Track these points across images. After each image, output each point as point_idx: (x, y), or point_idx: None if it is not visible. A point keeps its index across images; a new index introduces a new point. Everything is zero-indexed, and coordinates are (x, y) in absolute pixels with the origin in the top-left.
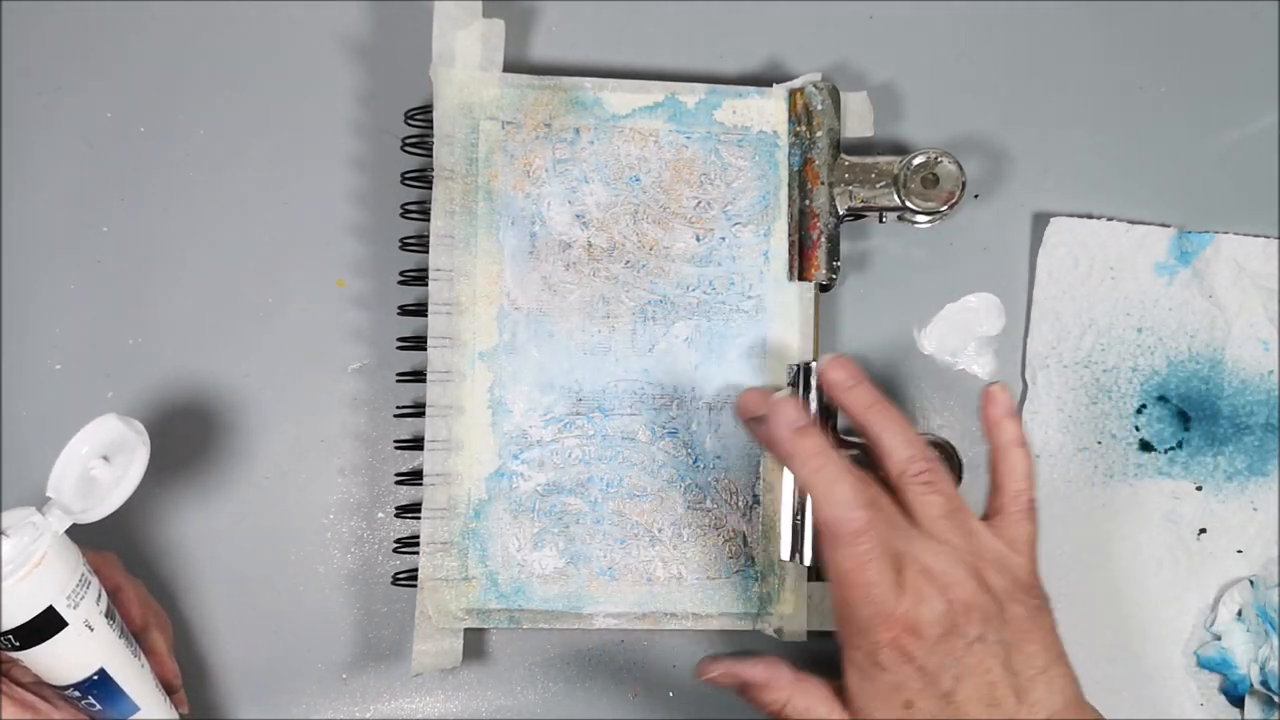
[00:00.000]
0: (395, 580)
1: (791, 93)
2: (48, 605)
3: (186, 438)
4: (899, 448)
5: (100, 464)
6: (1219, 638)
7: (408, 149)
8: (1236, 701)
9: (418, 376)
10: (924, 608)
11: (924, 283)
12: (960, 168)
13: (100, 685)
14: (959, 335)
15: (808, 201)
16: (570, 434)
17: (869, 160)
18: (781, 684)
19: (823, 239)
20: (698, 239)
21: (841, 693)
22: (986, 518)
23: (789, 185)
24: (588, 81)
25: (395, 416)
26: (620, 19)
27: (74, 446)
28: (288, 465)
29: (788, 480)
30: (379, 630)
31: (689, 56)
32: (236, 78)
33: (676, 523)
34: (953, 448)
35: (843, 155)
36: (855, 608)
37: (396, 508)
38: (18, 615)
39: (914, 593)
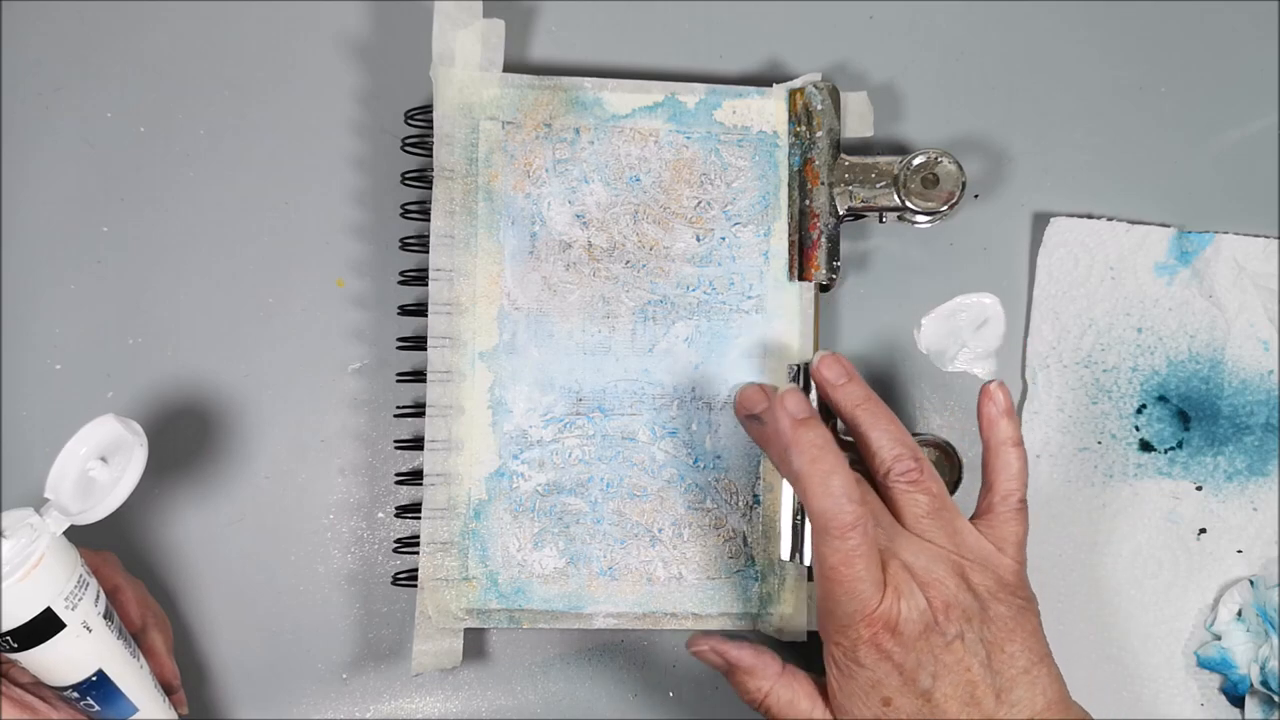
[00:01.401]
0: (395, 580)
1: (791, 93)
2: (45, 607)
3: (186, 438)
4: (886, 445)
5: (98, 465)
6: (1219, 638)
7: (408, 149)
8: (1236, 701)
9: (418, 376)
10: (903, 605)
11: (924, 283)
12: (960, 168)
13: (99, 686)
14: (952, 335)
15: (808, 201)
16: (570, 434)
17: (869, 160)
18: (767, 673)
19: (823, 239)
20: (698, 239)
21: (824, 689)
22: (975, 517)
23: (789, 185)
24: (588, 81)
25: (395, 416)
26: (620, 19)
27: (72, 448)
28: (288, 465)
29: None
30: (379, 630)
31: (689, 56)
32: (236, 78)
33: (676, 523)
34: (952, 448)
35: (843, 155)
36: (839, 603)
37: (396, 508)
38: (15, 616)
39: (894, 590)
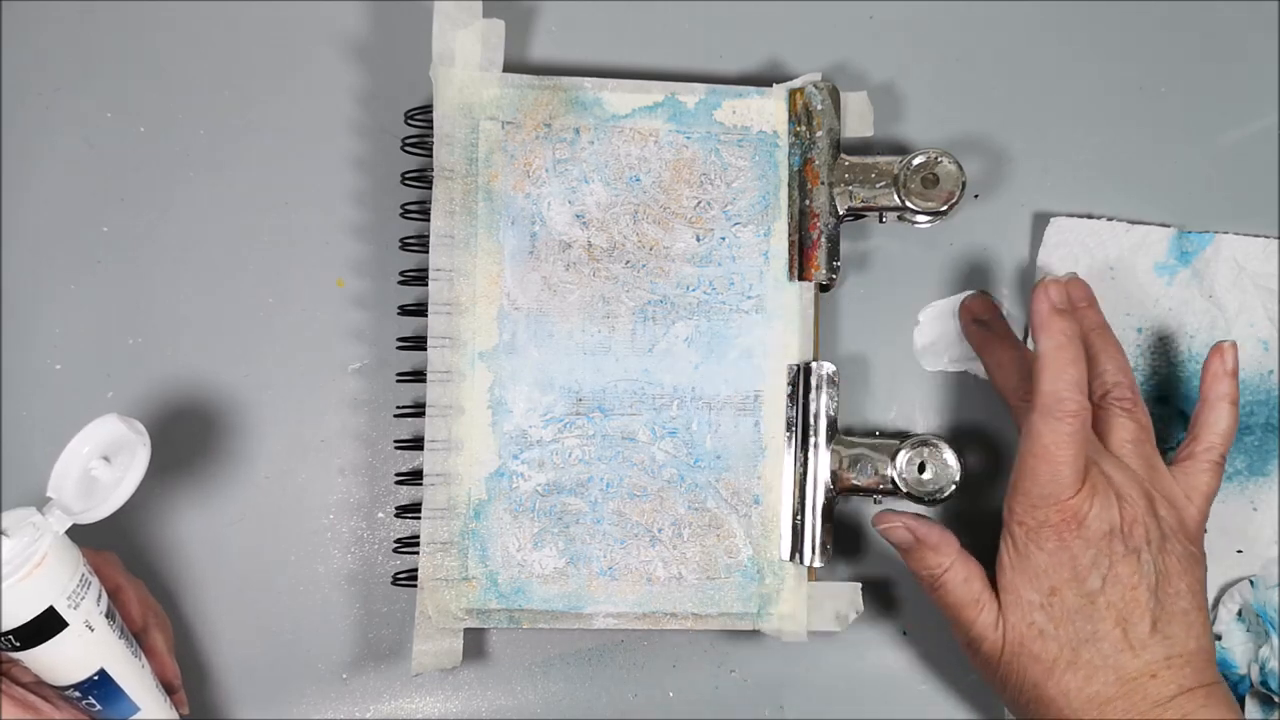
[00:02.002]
0: (395, 580)
1: (791, 93)
2: (48, 606)
3: (186, 438)
4: (1111, 370)
5: (101, 464)
6: (1219, 638)
7: (408, 149)
8: (1236, 702)
9: (418, 376)
10: (1096, 503)
11: (924, 283)
12: (960, 168)
13: (100, 686)
14: (950, 333)
15: (808, 201)
16: (570, 434)
17: (869, 160)
18: (950, 550)
19: (823, 239)
20: (698, 239)
21: (991, 576)
22: (1173, 463)
23: (789, 185)
24: (588, 81)
25: (395, 416)
26: (620, 19)
27: (74, 447)
28: (288, 465)
29: (787, 480)
30: (379, 630)
31: (689, 56)
32: (236, 78)
33: (676, 523)
34: (950, 448)
35: (843, 155)
36: (1038, 481)
37: (396, 508)
38: (18, 615)
39: (1091, 488)
